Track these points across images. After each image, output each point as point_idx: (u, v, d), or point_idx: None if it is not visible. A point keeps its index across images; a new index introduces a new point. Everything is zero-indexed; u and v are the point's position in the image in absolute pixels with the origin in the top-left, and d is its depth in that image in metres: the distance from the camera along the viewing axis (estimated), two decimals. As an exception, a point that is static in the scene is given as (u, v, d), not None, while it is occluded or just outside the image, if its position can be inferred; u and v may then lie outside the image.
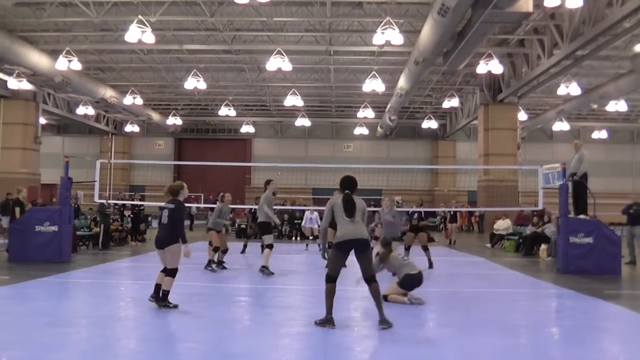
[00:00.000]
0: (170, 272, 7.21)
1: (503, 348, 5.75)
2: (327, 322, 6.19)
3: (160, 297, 7.21)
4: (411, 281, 7.85)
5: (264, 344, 5.70)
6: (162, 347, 5.60)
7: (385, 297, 7.42)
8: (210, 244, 12.44)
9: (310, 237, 17.80)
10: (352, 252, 6.24)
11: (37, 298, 8.00)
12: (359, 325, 6.65)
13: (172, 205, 7.30)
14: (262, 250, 11.60)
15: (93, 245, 15.80)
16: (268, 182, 11.02)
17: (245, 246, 15.44)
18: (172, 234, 7.20)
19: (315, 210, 18.28)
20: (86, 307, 7.71)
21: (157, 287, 7.30)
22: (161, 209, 7.52)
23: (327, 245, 6.77)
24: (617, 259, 11.54)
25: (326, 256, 6.57)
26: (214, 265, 11.22)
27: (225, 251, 11.50)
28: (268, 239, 10.61)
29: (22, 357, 5.06)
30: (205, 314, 7.16)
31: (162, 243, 7.26)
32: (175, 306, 7.18)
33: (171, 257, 7.20)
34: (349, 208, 6.21)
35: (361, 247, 6.19)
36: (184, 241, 7.17)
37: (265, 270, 10.39)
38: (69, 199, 12.87)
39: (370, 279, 6.19)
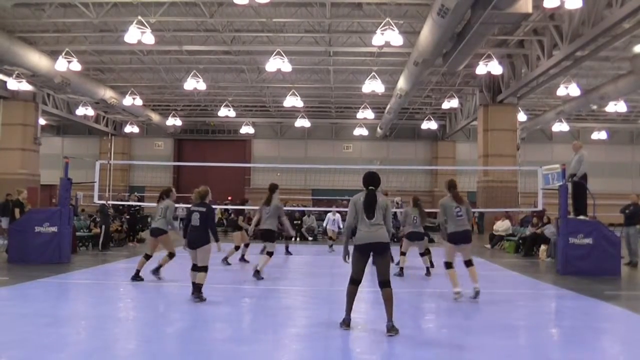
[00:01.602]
0: (202, 269, 7.78)
1: (503, 349, 5.75)
2: (343, 322, 6.16)
3: (194, 289, 7.74)
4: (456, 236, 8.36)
5: (264, 344, 5.70)
6: (161, 347, 5.59)
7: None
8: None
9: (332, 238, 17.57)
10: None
11: (37, 299, 7.99)
12: (359, 326, 6.63)
13: (203, 209, 7.92)
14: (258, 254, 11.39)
15: (92, 246, 15.79)
16: (276, 187, 10.57)
17: (287, 247, 15.58)
18: (204, 235, 7.83)
19: (337, 211, 18.15)
20: (85, 308, 7.71)
21: (194, 285, 7.84)
22: (190, 212, 8.00)
23: (347, 249, 6.34)
24: (617, 259, 11.54)
25: (347, 258, 6.30)
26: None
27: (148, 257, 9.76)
28: (272, 246, 10.35)
29: (21, 358, 5.06)
30: (206, 314, 7.16)
31: (195, 243, 7.83)
32: (204, 299, 7.64)
33: (203, 256, 7.80)
34: (370, 207, 6.07)
35: (380, 250, 6.08)
36: (217, 239, 7.96)
37: (258, 275, 10.02)
38: (68, 199, 12.87)
39: (384, 282, 6.07)
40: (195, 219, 7.84)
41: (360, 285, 6.23)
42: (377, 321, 6.39)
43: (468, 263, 8.46)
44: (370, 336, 6.11)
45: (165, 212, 9.57)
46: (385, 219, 6.18)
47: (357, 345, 5.88)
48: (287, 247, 15.56)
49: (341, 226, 18.24)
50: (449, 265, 8.41)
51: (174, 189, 10.30)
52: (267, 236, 10.38)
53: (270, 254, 10.28)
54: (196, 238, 7.84)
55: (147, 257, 9.64)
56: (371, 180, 6.25)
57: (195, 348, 5.51)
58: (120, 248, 16.46)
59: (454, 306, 8.00)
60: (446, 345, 5.85)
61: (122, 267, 12.40)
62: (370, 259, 6.26)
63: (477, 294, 8.22)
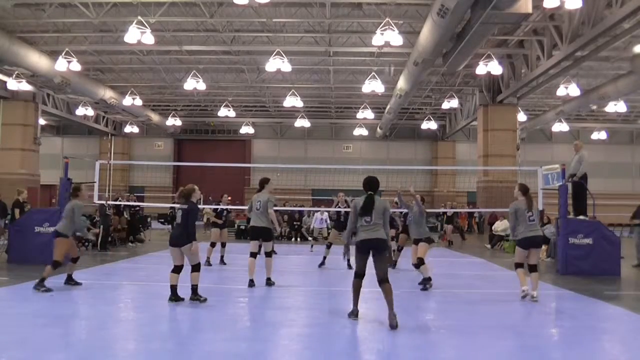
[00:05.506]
0: (195, 268, 7.75)
1: (503, 349, 5.75)
2: (351, 313, 6.66)
3: (191, 292, 7.72)
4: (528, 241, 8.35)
5: (263, 344, 5.70)
6: (161, 348, 5.58)
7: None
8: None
9: (310, 238, 17.77)
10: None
11: (37, 299, 7.97)
12: (359, 326, 6.63)
13: (185, 206, 7.86)
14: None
15: (92, 246, 15.77)
16: (266, 182, 9.71)
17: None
18: (185, 233, 7.72)
19: (325, 210, 18.13)
20: (85, 308, 7.70)
21: (173, 288, 7.68)
22: (176, 210, 8.03)
23: (348, 247, 7.02)
24: (617, 259, 11.54)
25: (345, 258, 7.07)
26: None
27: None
28: (269, 246, 9.60)
29: (21, 358, 5.05)
30: (206, 315, 7.15)
31: (176, 241, 7.78)
32: (205, 299, 7.61)
33: (189, 254, 7.73)
34: (368, 209, 6.53)
35: (378, 247, 6.50)
36: (192, 239, 7.66)
37: (270, 281, 9.52)
38: (68, 200, 12.84)
39: (383, 280, 6.45)
40: (179, 217, 7.82)
41: (364, 279, 6.58)
42: (375, 322, 6.40)
43: (532, 268, 8.45)
44: (369, 337, 6.11)
45: (71, 213, 9.00)
46: (384, 222, 6.60)
47: (357, 345, 5.87)
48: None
49: (329, 224, 18.45)
50: (518, 265, 8.53)
51: (82, 187, 9.60)
52: (263, 234, 9.53)
53: (270, 254, 9.77)
54: (177, 235, 7.77)
55: (57, 264, 8.90)
56: (370, 185, 6.78)
57: (194, 348, 5.51)
58: (119, 248, 16.44)
59: (454, 306, 8.01)
60: (446, 346, 5.85)
61: (122, 267, 12.43)
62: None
63: (534, 300, 8.25)
